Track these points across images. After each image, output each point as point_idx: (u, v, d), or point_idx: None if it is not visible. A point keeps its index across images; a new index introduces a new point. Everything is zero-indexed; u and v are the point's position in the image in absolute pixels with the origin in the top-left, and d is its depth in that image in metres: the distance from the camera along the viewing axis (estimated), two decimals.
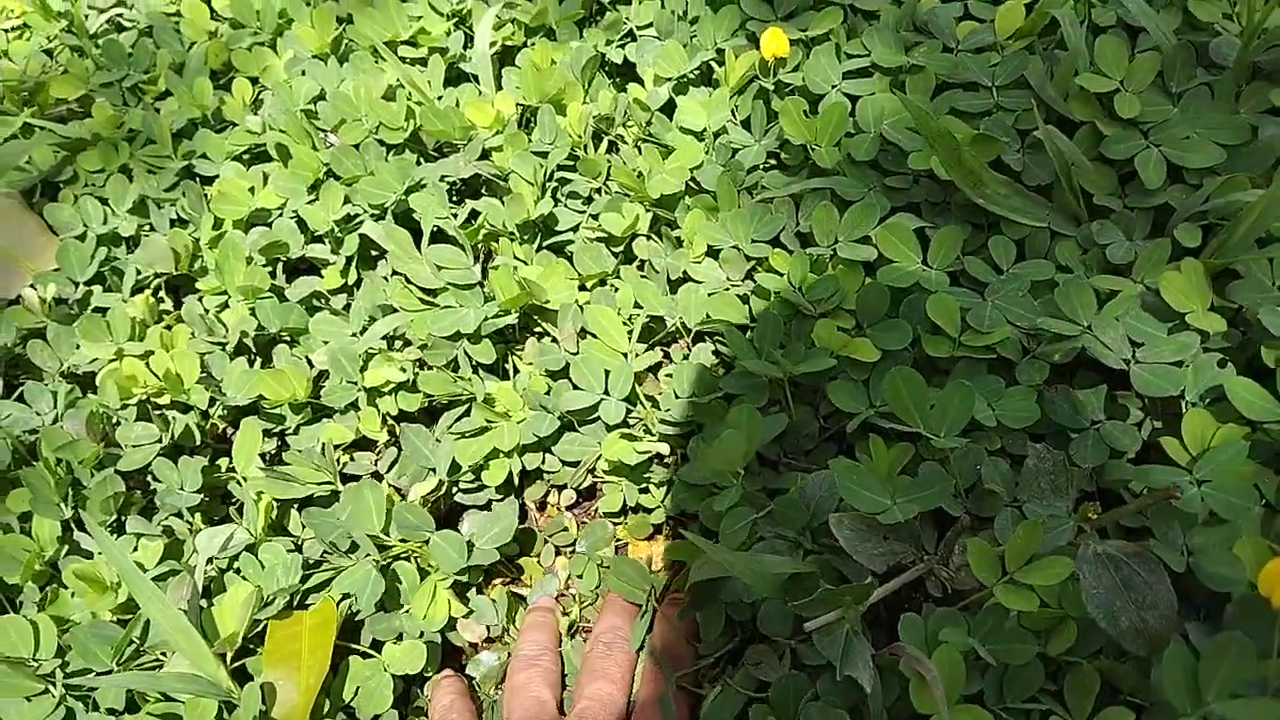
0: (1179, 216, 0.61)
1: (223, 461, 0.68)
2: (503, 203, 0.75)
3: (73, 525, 0.65)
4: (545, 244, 0.72)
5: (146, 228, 0.80)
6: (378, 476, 0.67)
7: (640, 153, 0.74)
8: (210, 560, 0.61)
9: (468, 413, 0.66)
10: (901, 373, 0.53)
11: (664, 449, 0.58)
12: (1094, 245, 0.62)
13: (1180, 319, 0.56)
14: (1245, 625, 0.45)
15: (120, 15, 0.99)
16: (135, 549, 0.62)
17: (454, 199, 0.76)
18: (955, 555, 0.52)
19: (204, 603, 0.60)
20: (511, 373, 0.68)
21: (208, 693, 0.56)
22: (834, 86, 0.73)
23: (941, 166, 0.63)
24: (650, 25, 0.81)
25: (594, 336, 0.64)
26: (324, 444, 0.66)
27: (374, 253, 0.77)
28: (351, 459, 0.68)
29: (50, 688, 0.58)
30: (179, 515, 0.66)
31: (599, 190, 0.74)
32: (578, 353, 0.64)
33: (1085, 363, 0.59)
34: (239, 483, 0.65)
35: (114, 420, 0.68)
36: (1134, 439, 0.55)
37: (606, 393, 0.62)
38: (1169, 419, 0.56)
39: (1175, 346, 0.55)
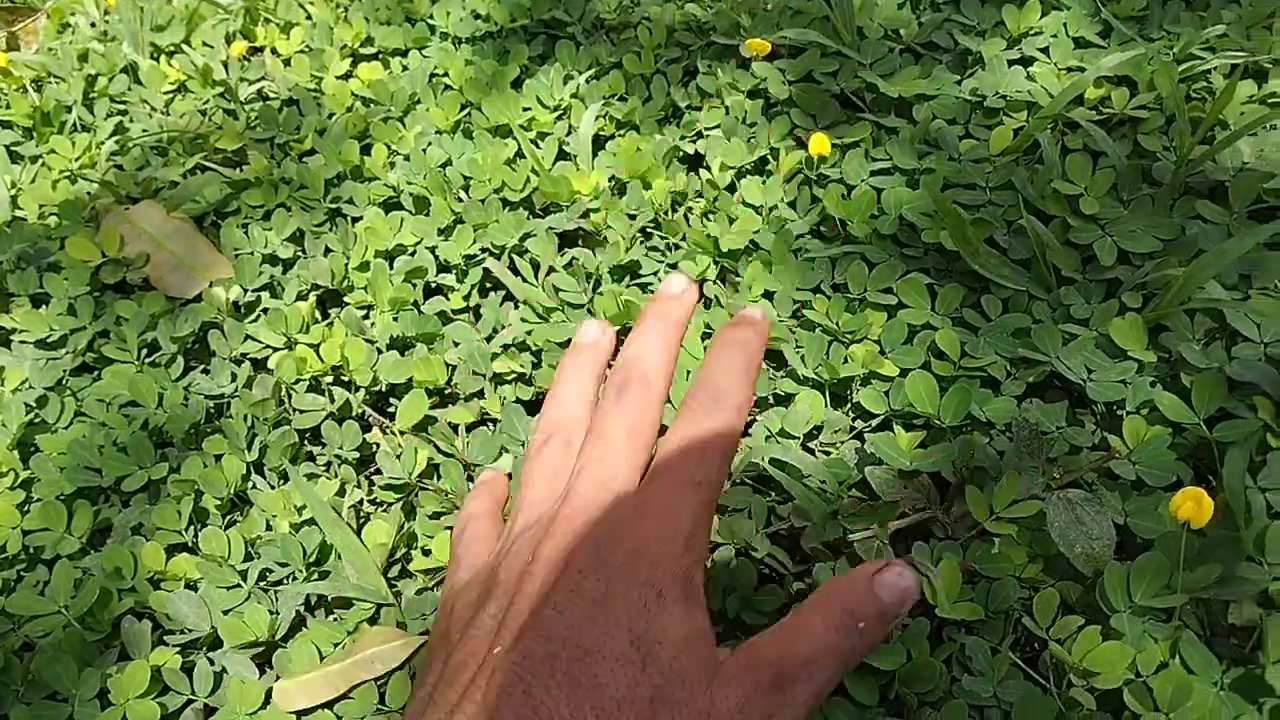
0: (1125, 286, 0.81)
1: (368, 436, 0.86)
2: (594, 253, 0.95)
3: (251, 469, 0.81)
4: (632, 283, 0.92)
5: (300, 252, 0.99)
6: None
7: (710, 220, 0.94)
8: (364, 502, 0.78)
9: None
10: (920, 375, 0.72)
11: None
12: (1060, 305, 0.82)
13: (1124, 354, 0.75)
14: (1163, 551, 0.63)
15: (265, 87, 1.19)
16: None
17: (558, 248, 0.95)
18: (954, 508, 0.70)
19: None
20: None
21: (372, 599, 0.73)
22: (863, 180, 0.94)
23: (950, 239, 0.83)
24: (717, 127, 1.02)
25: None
26: (450, 423, 0.84)
27: (488, 285, 0.96)
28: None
29: (242, 582, 0.74)
30: (333, 467, 0.83)
31: (674, 246, 0.94)
32: None
33: (1051, 387, 0.78)
34: (394, 436, 0.83)
35: (288, 392, 0.85)
36: (1088, 438, 0.73)
37: None
38: (1113, 430, 0.74)
39: (1120, 370, 0.74)
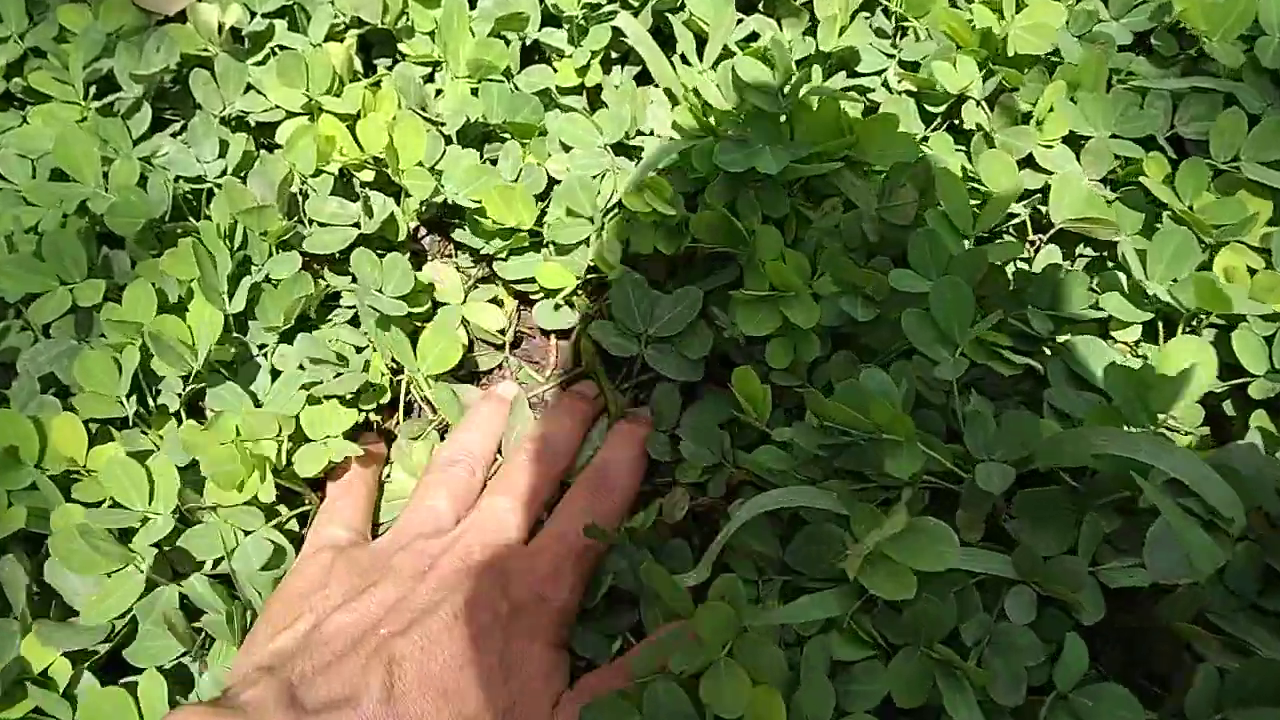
0: None
1: (419, 275, 0.55)
2: (780, 25, 0.62)
3: (231, 321, 0.52)
4: (847, 87, 0.59)
5: None
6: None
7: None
8: None
9: (739, 272, 0.53)
10: None
11: (1037, 366, 0.46)
12: None
13: None
14: None
15: None
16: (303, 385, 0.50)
17: None
18: None
19: None
20: (793, 236, 0.55)
21: None
22: None
23: None
24: None
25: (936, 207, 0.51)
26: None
27: (614, 54, 0.63)
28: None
29: (136, 567, 0.46)
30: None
31: (911, 31, 0.61)
32: (909, 224, 0.51)
33: None
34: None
35: (303, 192, 0.54)
36: None
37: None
38: None
39: None
